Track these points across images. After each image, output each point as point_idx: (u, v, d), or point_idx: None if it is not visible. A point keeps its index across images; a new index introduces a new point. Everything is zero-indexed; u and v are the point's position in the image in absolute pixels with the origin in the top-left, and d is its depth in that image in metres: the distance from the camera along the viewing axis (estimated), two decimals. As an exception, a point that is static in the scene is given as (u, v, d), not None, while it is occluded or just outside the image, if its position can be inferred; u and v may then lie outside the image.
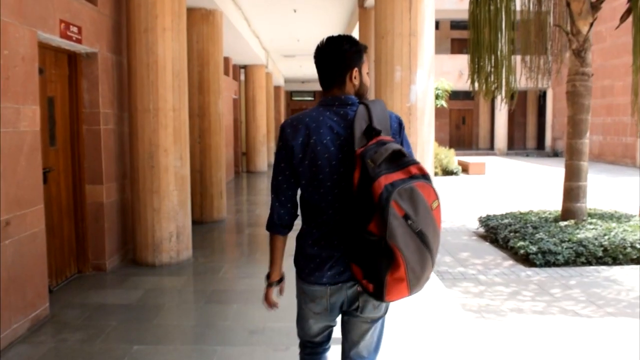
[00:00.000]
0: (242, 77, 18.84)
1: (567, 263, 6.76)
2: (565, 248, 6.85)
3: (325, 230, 2.24)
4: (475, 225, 9.33)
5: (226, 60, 15.45)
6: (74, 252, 5.90)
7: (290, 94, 37.12)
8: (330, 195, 2.21)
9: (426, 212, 1.98)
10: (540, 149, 31.42)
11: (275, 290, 2.48)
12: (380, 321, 2.41)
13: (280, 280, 2.46)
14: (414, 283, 1.97)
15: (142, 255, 6.36)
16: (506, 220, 8.36)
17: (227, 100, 15.14)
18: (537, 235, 7.24)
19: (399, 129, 2.31)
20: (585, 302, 5.44)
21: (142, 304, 5.07)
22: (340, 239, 2.21)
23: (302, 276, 2.34)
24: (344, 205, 2.18)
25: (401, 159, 2.05)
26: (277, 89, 26.98)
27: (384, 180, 1.95)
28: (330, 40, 2.29)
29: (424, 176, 2.04)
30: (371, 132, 2.15)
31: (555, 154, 29.15)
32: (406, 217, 1.92)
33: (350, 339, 2.42)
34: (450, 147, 25.62)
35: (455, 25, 31.72)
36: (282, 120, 28.85)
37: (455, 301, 5.32)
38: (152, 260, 6.33)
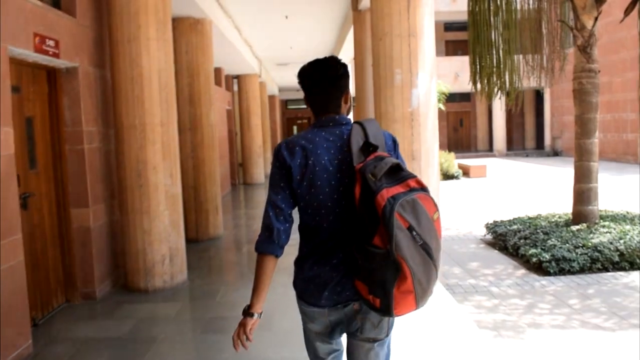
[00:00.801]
0: (235, 88, 18.54)
1: (582, 270, 6.41)
2: (580, 254, 6.51)
3: (325, 250, 2.20)
4: (481, 231, 8.97)
5: (218, 70, 15.14)
6: (61, 281, 5.53)
7: (285, 103, 36.88)
8: (331, 215, 2.18)
9: (429, 224, 1.99)
10: (539, 148, 31.13)
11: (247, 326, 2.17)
12: (385, 344, 2.35)
13: (260, 314, 2.22)
14: (421, 295, 1.96)
15: (134, 281, 5.99)
16: (515, 226, 8.00)
17: (221, 112, 14.81)
18: (549, 241, 6.87)
19: (393, 146, 2.32)
20: (607, 313, 5.09)
21: (134, 337, 4.70)
22: (340, 259, 2.17)
23: (303, 297, 2.29)
24: (345, 224, 2.15)
25: (400, 173, 2.06)
26: (271, 98, 26.68)
27: (386, 193, 1.94)
28: (322, 65, 2.29)
29: (423, 189, 2.05)
30: (368, 148, 2.17)
31: (555, 153, 28.87)
32: (410, 228, 1.92)
33: None
34: (449, 150, 25.34)
35: (449, 27, 31.46)
36: (278, 130, 28.60)
37: (469, 318, 4.98)
38: (144, 286, 5.95)
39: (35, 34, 4.68)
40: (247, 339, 2.17)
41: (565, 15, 8.29)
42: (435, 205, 2.07)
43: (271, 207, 2.22)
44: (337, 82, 2.28)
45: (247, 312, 2.20)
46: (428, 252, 1.95)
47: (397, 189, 1.98)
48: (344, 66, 2.33)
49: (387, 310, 1.98)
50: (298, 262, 2.30)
